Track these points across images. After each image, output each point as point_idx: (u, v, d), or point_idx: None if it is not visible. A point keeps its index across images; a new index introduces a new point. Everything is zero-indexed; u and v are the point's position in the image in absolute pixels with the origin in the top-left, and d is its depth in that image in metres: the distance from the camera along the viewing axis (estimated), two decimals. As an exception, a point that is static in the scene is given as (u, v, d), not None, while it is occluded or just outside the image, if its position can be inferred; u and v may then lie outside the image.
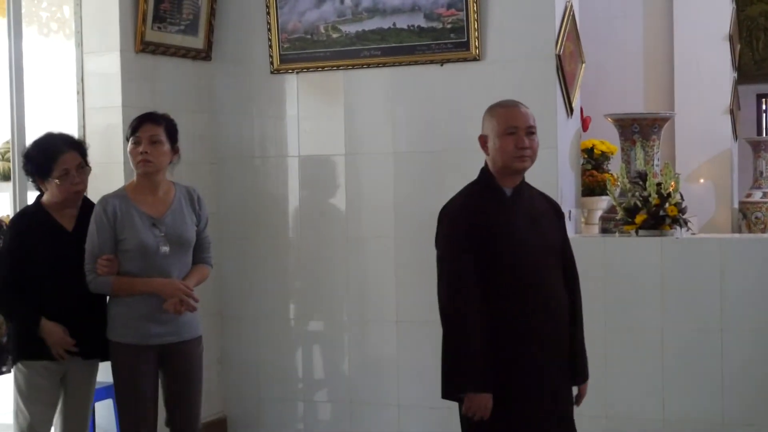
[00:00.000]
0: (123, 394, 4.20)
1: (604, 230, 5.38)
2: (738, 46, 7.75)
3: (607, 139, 6.17)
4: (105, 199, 4.20)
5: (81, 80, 5.31)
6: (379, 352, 5.58)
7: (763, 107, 9.95)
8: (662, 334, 4.96)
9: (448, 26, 5.25)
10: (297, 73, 5.66)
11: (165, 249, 4.19)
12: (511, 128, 3.58)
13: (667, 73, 7.46)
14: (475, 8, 5.17)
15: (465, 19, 5.20)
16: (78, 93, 5.31)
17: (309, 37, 5.56)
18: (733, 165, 7.65)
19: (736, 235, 6.52)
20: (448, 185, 5.29)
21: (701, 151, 7.43)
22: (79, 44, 5.31)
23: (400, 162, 5.48)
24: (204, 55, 5.74)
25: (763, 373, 4.82)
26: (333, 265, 5.68)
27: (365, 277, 5.59)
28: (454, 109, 5.34)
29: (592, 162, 6.11)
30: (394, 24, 5.38)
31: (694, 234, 5.25)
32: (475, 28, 5.19)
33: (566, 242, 3.81)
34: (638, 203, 5.01)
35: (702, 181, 7.41)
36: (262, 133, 5.82)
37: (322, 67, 5.58)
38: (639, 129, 5.39)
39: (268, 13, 5.60)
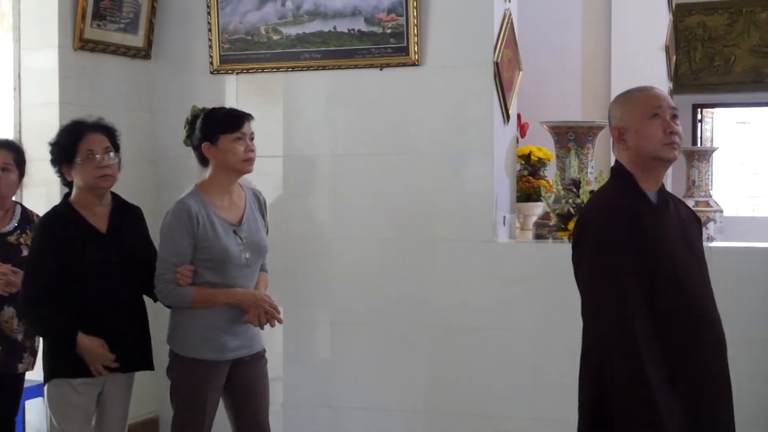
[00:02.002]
0: (188, 411, 3.93)
1: (538, 236, 5.44)
2: (674, 57, 7.89)
3: (545, 146, 6.26)
4: (185, 202, 3.90)
5: (18, 76, 5.27)
6: (312, 353, 5.60)
7: (698, 117, 10.14)
8: (593, 339, 5.04)
9: (388, 31, 5.29)
10: (237, 73, 5.67)
11: (247, 257, 3.96)
12: (656, 109, 3.09)
13: (604, 82, 7.55)
14: (415, 14, 5.21)
15: (405, 24, 5.25)
16: (15, 89, 5.27)
17: (250, 38, 5.57)
18: (667, 174, 7.75)
19: (668, 243, 6.62)
20: (385, 189, 5.40)
21: (636, 159, 7.52)
22: (17, 39, 5.27)
23: (338, 165, 5.50)
24: (144, 53, 5.73)
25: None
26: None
27: (299, 279, 5.60)
28: (392, 114, 5.38)
29: (529, 168, 6.20)
30: (334, 27, 5.40)
31: (625, 241, 5.32)
32: (414, 33, 5.23)
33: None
34: (572, 210, 5.08)
35: (637, 188, 7.51)
36: (201, 133, 5.81)
37: (262, 69, 5.59)
38: (574, 137, 5.45)
39: (209, 14, 5.60)
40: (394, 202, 5.39)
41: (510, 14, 5.39)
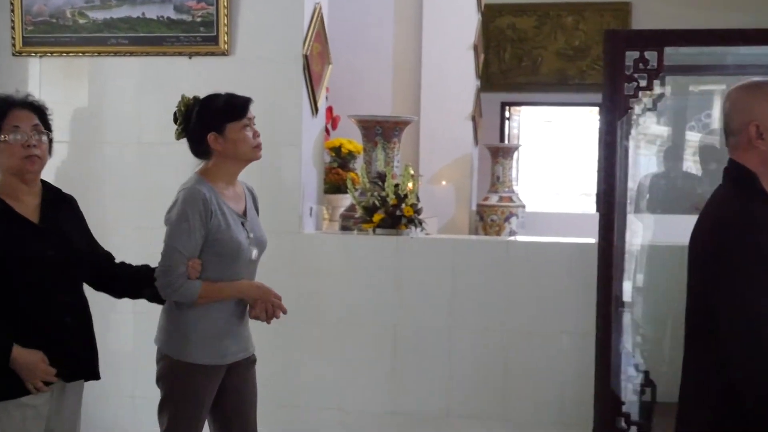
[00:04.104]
0: (184, 420, 3.64)
1: (344, 227, 5.53)
2: (482, 56, 8.13)
3: (356, 139, 6.35)
4: (198, 189, 3.59)
5: None
6: (114, 342, 5.51)
7: (506, 115, 10.47)
8: (395, 330, 5.16)
9: (198, 19, 5.26)
10: (40, 56, 5.52)
11: (255, 252, 3.74)
12: None
13: (414, 79, 7.71)
14: (225, 3, 5.20)
15: (215, 13, 5.23)
16: None
17: (55, 21, 5.43)
18: (473, 169, 8.00)
19: (467, 237, 6.84)
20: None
21: (444, 154, 7.73)
22: None
23: (145, 152, 5.44)
24: (-59, 32, 5.50)
25: (486, 369, 5.08)
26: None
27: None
28: (201, 103, 5.35)
29: (339, 160, 6.28)
30: (143, 14, 5.34)
31: (428, 234, 5.48)
32: (224, 23, 5.23)
33: None
34: (377, 203, 5.18)
35: (444, 183, 7.71)
36: (2, 117, 5.63)
37: (67, 53, 5.46)
38: (381, 131, 5.56)
39: (12, -7, 5.44)
40: (202, 191, 5.36)
41: (320, 9, 5.44)
